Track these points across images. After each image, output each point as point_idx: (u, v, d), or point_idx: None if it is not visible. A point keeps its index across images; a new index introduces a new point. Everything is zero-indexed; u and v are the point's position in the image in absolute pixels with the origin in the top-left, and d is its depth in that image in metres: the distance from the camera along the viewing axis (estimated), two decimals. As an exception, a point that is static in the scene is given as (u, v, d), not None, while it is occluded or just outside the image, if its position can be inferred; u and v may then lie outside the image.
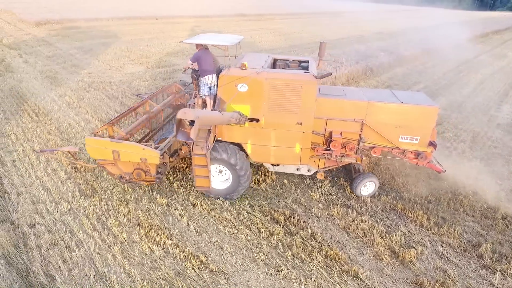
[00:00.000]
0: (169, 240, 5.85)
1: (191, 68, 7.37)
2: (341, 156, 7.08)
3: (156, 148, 6.32)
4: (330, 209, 6.97)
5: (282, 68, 7.52)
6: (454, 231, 6.50)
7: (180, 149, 7.45)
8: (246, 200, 7.09)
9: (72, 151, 7.03)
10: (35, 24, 27.74)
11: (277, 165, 7.54)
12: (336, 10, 66.66)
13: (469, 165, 9.07)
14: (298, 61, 7.68)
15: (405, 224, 6.65)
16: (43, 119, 10.25)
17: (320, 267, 5.53)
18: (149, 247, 5.66)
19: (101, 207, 6.58)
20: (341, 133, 6.84)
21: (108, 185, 7.28)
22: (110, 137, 6.70)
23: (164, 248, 5.69)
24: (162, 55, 20.02)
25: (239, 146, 7.00)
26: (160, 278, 5.11)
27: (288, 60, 7.74)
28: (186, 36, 27.19)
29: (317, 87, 6.56)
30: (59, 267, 5.16)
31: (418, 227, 6.63)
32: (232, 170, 6.86)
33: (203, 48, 7.24)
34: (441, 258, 5.95)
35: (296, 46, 26.35)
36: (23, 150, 8.49)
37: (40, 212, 6.37)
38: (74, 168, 7.84)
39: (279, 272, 5.40)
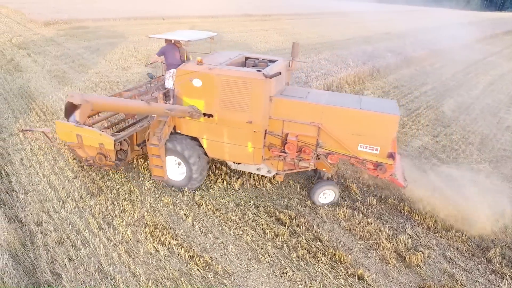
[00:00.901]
0: (174, 240, 5.85)
1: (161, 62, 7.70)
2: (299, 160, 6.77)
3: (113, 135, 6.71)
4: (336, 210, 6.92)
5: (251, 67, 7.32)
6: (462, 235, 6.41)
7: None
8: (252, 201, 7.07)
9: (46, 132, 7.42)
10: (44, 24, 28.06)
11: (239, 163, 7.41)
12: (343, 10, 66.27)
13: (477, 168, 8.95)
14: (268, 60, 7.46)
15: (412, 227, 6.58)
16: (50, 118, 10.34)
17: (326, 269, 5.48)
18: (154, 246, 5.67)
19: (107, 206, 6.61)
20: (297, 136, 6.52)
21: (114, 185, 7.32)
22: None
23: (169, 248, 5.70)
24: (169, 55, 20.11)
25: (197, 141, 7.05)
26: (164, 278, 5.11)
27: (258, 59, 7.57)
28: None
29: (268, 86, 6.27)
30: (65, 265, 5.19)
31: (425, 230, 6.55)
32: (186, 163, 6.94)
33: (170, 43, 7.59)
34: (449, 262, 5.86)
35: (302, 47, 26.23)
36: (31, 149, 8.57)
37: (47, 210, 6.42)
38: (81, 167, 7.91)
39: (284, 273, 5.37)
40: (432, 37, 34.58)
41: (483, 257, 6.00)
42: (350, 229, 6.46)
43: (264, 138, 6.67)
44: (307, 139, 6.56)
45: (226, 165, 8.22)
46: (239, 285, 5.13)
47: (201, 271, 5.27)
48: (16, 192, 6.94)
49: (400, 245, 6.06)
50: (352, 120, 6.24)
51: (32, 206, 6.52)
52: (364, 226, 6.50)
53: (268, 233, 6.15)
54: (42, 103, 11.45)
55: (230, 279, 5.20)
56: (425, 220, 6.76)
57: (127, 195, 7.00)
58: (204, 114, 6.63)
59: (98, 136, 6.53)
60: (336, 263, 5.61)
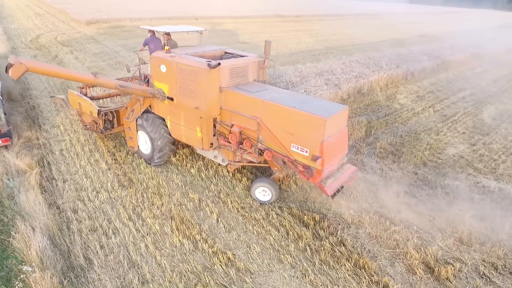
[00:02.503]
0: (199, 235, 5.99)
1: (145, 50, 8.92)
2: (243, 152, 6.90)
3: (100, 106, 8.45)
4: (362, 216, 6.76)
5: None
6: (498, 249, 6.04)
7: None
8: (276, 202, 7.07)
9: (64, 98, 9.51)
10: (86, 23, 29.65)
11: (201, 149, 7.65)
12: (376, 11, 64.42)
13: None
14: (240, 55, 7.73)
15: (442, 238, 6.29)
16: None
17: (349, 275, 5.38)
18: (179, 240, 5.83)
19: (137, 198, 6.89)
20: (241, 128, 6.69)
21: (144, 178, 7.61)
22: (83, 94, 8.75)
23: (193, 242, 5.84)
24: (200, 54, 20.56)
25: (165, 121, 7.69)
26: (188, 271, 5.25)
27: (233, 54, 7.88)
28: (224, 36, 27.68)
29: (214, 76, 6.51)
30: (97, 252, 5.48)
31: (457, 243, 6.24)
32: (150, 139, 7.74)
33: (153, 34, 8.85)
34: (482, 278, 5.55)
35: (333, 48, 25.87)
36: (70, 140, 9.11)
37: (82, 199, 6.80)
38: (114, 159, 8.30)
39: (305, 276, 5.33)
40: (473, 39, 32.76)
41: (520, 275, 5.63)
42: (376, 236, 6.29)
43: (215, 127, 7.02)
44: (249, 133, 6.70)
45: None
46: (260, 284, 5.16)
47: (224, 267, 5.36)
48: (56, 180, 7.41)
49: (429, 256, 5.81)
50: (285, 118, 6.17)
51: (69, 194, 6.93)
52: (391, 234, 6.30)
53: (291, 235, 6.13)
54: (81, 97, 12.11)
55: (251, 277, 5.24)
56: (457, 232, 6.44)
57: (156, 188, 7.26)
58: (168, 98, 7.19)
59: (88, 105, 8.21)
60: (360, 269, 5.49)
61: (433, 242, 6.20)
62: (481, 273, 5.63)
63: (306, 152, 6.03)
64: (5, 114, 8.22)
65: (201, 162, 8.31)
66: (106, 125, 8.42)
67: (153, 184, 7.39)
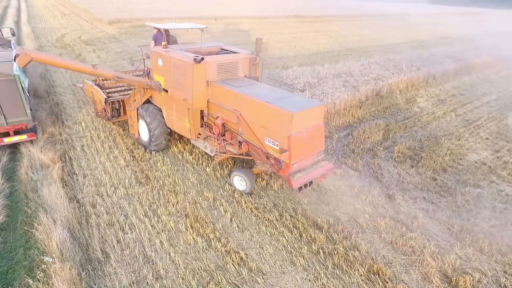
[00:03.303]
0: (213, 234, 6.05)
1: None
2: (226, 143, 7.29)
3: (108, 95, 9.39)
4: (377, 221, 6.65)
5: None
6: (520, 261, 5.81)
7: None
8: (290, 203, 7.06)
9: (82, 87, 10.40)
10: (108, 23, 30.47)
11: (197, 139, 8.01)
12: (397, 12, 63.08)
13: None
14: (234, 52, 8.07)
15: (461, 247, 6.10)
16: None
17: (362, 280, 5.31)
18: (193, 238, 5.91)
19: (153, 195, 7.03)
20: (224, 120, 7.08)
21: (161, 175, 7.75)
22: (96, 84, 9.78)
23: (207, 240, 5.91)
24: (218, 54, 20.73)
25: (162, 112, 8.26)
26: (201, 269, 5.31)
27: (228, 50, 8.28)
28: (242, 36, 27.80)
29: (200, 70, 6.93)
30: (114, 246, 5.62)
31: (477, 252, 6.04)
32: (148, 127, 8.33)
33: (158, 31, 9.89)
34: (502, 289, 5.35)
35: (352, 50, 25.53)
36: (91, 137, 9.39)
37: (101, 194, 7.00)
38: (133, 156, 8.50)
39: (318, 279, 5.30)
40: (499, 41, 31.56)
41: (544, 289, 5.39)
42: (391, 241, 6.17)
43: (203, 118, 7.48)
44: (231, 125, 7.06)
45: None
46: (272, 285, 5.16)
47: (236, 267, 5.39)
48: (77, 175, 7.65)
49: (447, 265, 5.65)
50: (260, 112, 6.43)
51: (89, 189, 7.14)
52: (407, 240, 6.17)
53: (305, 237, 6.10)
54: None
55: (263, 278, 5.25)
56: (477, 241, 6.23)
57: (171, 186, 7.38)
58: (164, 90, 7.76)
59: (98, 94, 9.24)
60: (374, 275, 5.41)
61: (451, 250, 6.03)
62: (502, 285, 5.43)
63: (277, 145, 6.28)
64: (31, 110, 8.57)
65: (217, 162, 8.39)
66: (113, 113, 9.43)
67: (169, 181, 7.52)
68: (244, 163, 8.43)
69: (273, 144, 6.33)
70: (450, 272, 5.53)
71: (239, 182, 7.27)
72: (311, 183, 6.86)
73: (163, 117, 8.21)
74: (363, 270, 5.46)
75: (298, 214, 6.73)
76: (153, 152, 8.67)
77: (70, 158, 8.30)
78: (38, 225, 5.73)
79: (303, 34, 32.67)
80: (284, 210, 6.82)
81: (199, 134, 7.59)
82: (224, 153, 7.51)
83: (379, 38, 32.73)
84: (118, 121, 10.06)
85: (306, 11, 54.65)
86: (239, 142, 7.00)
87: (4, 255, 5.37)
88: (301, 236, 6.16)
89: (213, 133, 7.28)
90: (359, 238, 6.21)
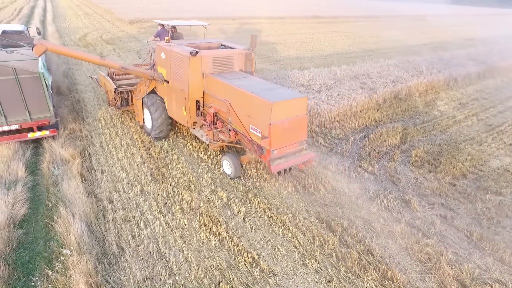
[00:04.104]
0: (225, 233, 6.09)
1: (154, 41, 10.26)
2: (217, 131, 7.89)
3: (117, 86, 10.33)
4: (392, 226, 6.53)
5: None
6: (543, 273, 5.57)
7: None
8: (303, 205, 7.02)
9: (96, 78, 11.45)
10: (129, 22, 31.17)
11: (194, 128, 8.62)
12: (418, 13, 61.64)
13: None
14: (232, 47, 8.63)
15: (480, 256, 5.91)
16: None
17: (375, 285, 5.22)
18: (206, 236, 5.97)
19: (168, 193, 7.14)
20: (216, 110, 7.65)
21: (176, 173, 7.87)
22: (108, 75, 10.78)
23: (220, 239, 5.95)
24: (235, 54, 20.82)
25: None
26: (213, 267, 5.36)
27: (226, 46, 8.86)
28: (260, 36, 27.84)
29: (196, 63, 7.53)
30: (129, 241, 5.75)
31: (497, 262, 5.83)
32: (151, 115, 8.96)
33: (162, 27, 10.67)
34: (523, 302, 5.15)
35: (371, 51, 25.14)
36: (109, 134, 9.63)
37: (117, 190, 7.17)
38: (149, 154, 8.67)
39: (330, 282, 5.24)
40: (527, 44, 30.37)
41: None
42: (406, 247, 6.04)
43: (198, 108, 8.08)
44: (222, 114, 7.60)
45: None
46: (283, 287, 5.15)
47: (248, 267, 5.41)
48: (95, 170, 7.87)
49: (464, 273, 5.48)
50: (245, 102, 6.92)
51: (106, 185, 7.33)
52: (423, 246, 6.02)
53: (318, 239, 6.06)
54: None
55: (275, 279, 5.25)
56: (498, 251, 6.02)
57: (186, 184, 7.48)
58: (166, 81, 8.38)
59: (109, 84, 10.24)
60: (388, 281, 5.30)
61: (469, 259, 5.85)
62: (522, 297, 5.22)
63: (259, 132, 6.76)
64: (53, 106, 8.87)
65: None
66: (122, 102, 10.34)
67: (183, 180, 7.62)
68: (238, 152, 8.76)
69: (256, 132, 6.82)
70: (468, 282, 5.36)
71: (227, 166, 7.78)
72: (290, 169, 7.52)
73: (165, 108, 8.87)
74: (377, 275, 5.37)
75: (311, 216, 6.69)
76: (169, 150, 8.82)
77: (89, 154, 8.53)
78: (57, 218, 5.93)
79: (321, 35, 32.42)
80: (297, 212, 6.79)
81: (195, 122, 8.24)
82: (217, 141, 8.08)
83: (398, 39, 32.09)
84: (127, 110, 10.94)
85: (324, 11, 54.17)
86: (229, 130, 7.54)
87: (26, 246, 5.58)
88: (314, 238, 6.12)
89: (207, 122, 7.84)
90: (373, 242, 6.11)
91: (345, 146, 9.76)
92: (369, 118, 11.91)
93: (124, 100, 10.38)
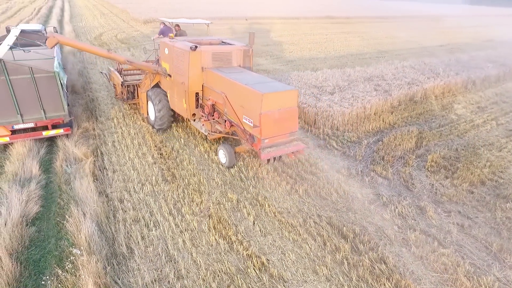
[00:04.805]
0: (235, 236, 6.01)
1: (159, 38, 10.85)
2: (215, 122, 8.35)
3: (124, 80, 10.91)
4: (407, 234, 6.33)
5: None
6: None
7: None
8: (314, 209, 6.88)
9: (105, 72, 12.70)
10: (143, 22, 31.51)
11: (194, 120, 9.08)
12: (433, 13, 60.31)
13: None
14: (231, 44, 9.10)
15: (500, 269, 5.66)
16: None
17: (388, 296, 5.05)
18: (215, 239, 5.91)
19: (178, 194, 7.11)
20: (214, 102, 8.07)
21: (186, 174, 7.84)
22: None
23: (229, 243, 5.88)
24: (247, 55, 20.76)
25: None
26: (222, 271, 5.29)
27: (227, 43, 9.32)
28: (273, 37, 27.72)
29: (196, 57, 8.00)
30: (138, 242, 5.74)
31: (517, 275, 5.57)
32: (154, 108, 9.44)
33: (165, 25, 11.62)
34: (546, 318, 4.89)
35: (386, 52, 24.70)
36: (121, 133, 9.70)
37: (128, 190, 7.19)
38: (160, 154, 8.68)
39: (341, 291, 5.10)
40: (550, 46, 29.31)
41: None
42: (421, 257, 5.84)
43: (198, 101, 8.52)
44: (219, 106, 8.01)
45: (292, 168, 8.19)
46: (293, 293, 5.04)
47: (257, 272, 5.31)
48: (107, 170, 7.92)
49: (483, 286, 5.25)
50: (239, 93, 7.34)
51: (118, 184, 7.36)
52: (438, 256, 5.81)
53: (329, 246, 5.91)
54: (134, 93, 12.84)
55: (284, 286, 5.14)
56: (518, 263, 5.75)
57: (196, 185, 7.44)
58: (168, 75, 8.84)
59: (117, 78, 10.92)
60: (401, 291, 5.13)
61: (488, 271, 5.60)
62: (545, 313, 4.97)
63: (251, 122, 7.16)
64: (68, 105, 8.98)
65: (241, 163, 8.37)
66: (128, 95, 10.92)
67: (194, 181, 7.59)
68: (235, 143, 9.09)
69: (249, 122, 7.23)
70: (486, 295, 5.14)
71: (223, 155, 8.17)
72: (280, 157, 7.89)
73: (168, 100, 9.36)
74: (390, 285, 5.19)
75: (322, 221, 6.54)
76: (180, 151, 8.82)
77: (102, 153, 8.60)
78: (69, 217, 5.97)
79: (334, 35, 32.07)
80: (308, 216, 6.66)
81: (194, 114, 8.70)
82: (215, 132, 8.54)
83: (414, 41, 31.45)
84: (134, 103, 11.45)
85: (337, 12, 53.61)
86: (225, 121, 7.91)
87: (38, 244, 5.64)
88: (325, 244, 5.98)
89: (204, 113, 8.28)
90: (386, 250, 5.93)
91: (358, 149, 9.56)
92: (383, 121, 11.65)
93: (130, 93, 10.94)
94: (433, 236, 6.32)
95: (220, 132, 8.41)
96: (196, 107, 8.60)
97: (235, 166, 8.23)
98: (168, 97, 9.31)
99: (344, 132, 10.69)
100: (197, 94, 8.45)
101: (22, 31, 12.21)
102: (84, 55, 18.12)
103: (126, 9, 38.95)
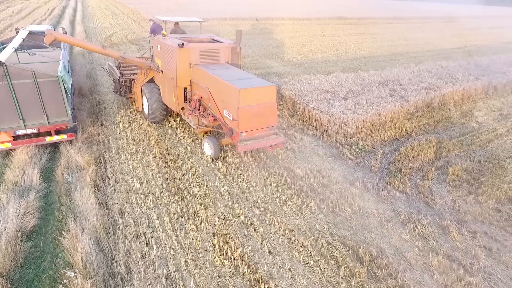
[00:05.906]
0: (241, 257, 5.58)
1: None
2: (201, 116, 8.64)
3: (121, 75, 11.20)
4: (429, 257, 5.80)
5: None
6: None
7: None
8: (327, 227, 6.40)
9: (105, 67, 12.86)
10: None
11: (184, 114, 9.40)
12: (452, 14, 58.85)
13: None
14: (220, 41, 9.47)
15: (535, 302, 5.09)
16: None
17: (410, 332, 4.55)
18: (220, 260, 5.49)
19: (182, 207, 6.72)
20: (200, 96, 8.49)
21: (192, 185, 7.45)
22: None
23: (234, 265, 5.45)
24: (258, 56, 20.35)
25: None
26: (227, 297, 4.87)
27: (217, 40, 9.65)
28: (283, 38, 27.22)
29: (184, 54, 8.39)
30: (138, 262, 5.36)
31: (555, 310, 5.00)
32: (147, 102, 9.94)
33: (154, 23, 12.36)
34: None
35: (400, 55, 23.94)
36: (126, 139, 9.38)
37: (130, 202, 6.83)
38: (165, 163, 8.31)
39: (357, 324, 4.63)
40: None
41: None
42: (446, 285, 5.30)
43: (186, 95, 8.94)
44: (204, 101, 8.45)
45: (303, 180, 7.73)
46: (303, 325, 4.58)
47: (265, 299, 4.88)
48: (109, 179, 7.59)
49: (517, 323, 4.71)
50: (220, 88, 7.74)
51: (119, 196, 7.01)
52: (465, 285, 5.27)
53: (343, 270, 5.43)
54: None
55: (294, 316, 4.69)
56: (555, 296, 5.17)
57: (202, 198, 7.04)
58: (161, 70, 9.28)
59: (115, 74, 11.28)
60: (425, 327, 4.62)
61: (522, 305, 5.04)
62: None
63: (231, 116, 7.56)
64: (73, 109, 8.71)
65: (250, 173, 7.95)
66: (126, 90, 11.26)
67: (199, 193, 7.19)
68: (220, 136, 9.38)
69: (228, 116, 7.62)
70: (521, 334, 4.59)
71: (208, 147, 8.46)
72: (257, 149, 8.32)
73: (160, 95, 9.75)
74: (412, 319, 4.69)
75: (336, 241, 6.07)
76: (186, 159, 8.45)
77: (105, 161, 8.28)
78: (66, 233, 5.63)
79: (346, 36, 31.37)
80: (320, 235, 6.19)
81: (183, 108, 9.14)
82: (201, 125, 8.92)
83: (430, 43, 30.51)
84: (131, 97, 11.67)
85: (349, 12, 52.75)
86: (209, 115, 8.25)
87: (33, 261, 5.32)
88: (338, 268, 5.50)
89: (191, 107, 8.68)
90: (406, 277, 5.41)
91: (373, 160, 9.02)
92: (399, 129, 11.07)
93: (127, 88, 11.31)
94: (458, 261, 5.78)
95: (206, 126, 8.80)
96: (185, 102, 9.04)
97: (243, 177, 7.81)
98: (161, 91, 9.73)
99: (358, 140, 10.16)
100: (185, 89, 8.88)
101: (30, 33, 12.06)
102: (93, 56, 17.97)
103: (138, 9, 38.97)
